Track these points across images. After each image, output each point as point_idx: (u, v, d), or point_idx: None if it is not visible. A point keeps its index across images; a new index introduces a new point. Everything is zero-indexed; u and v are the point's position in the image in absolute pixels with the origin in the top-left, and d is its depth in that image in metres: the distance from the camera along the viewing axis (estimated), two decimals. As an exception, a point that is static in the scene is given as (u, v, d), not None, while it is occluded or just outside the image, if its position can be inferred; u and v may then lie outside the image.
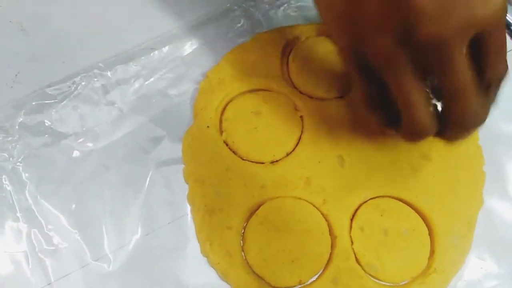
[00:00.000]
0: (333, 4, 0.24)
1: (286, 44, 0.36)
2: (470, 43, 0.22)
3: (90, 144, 0.32)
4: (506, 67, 0.24)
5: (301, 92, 0.34)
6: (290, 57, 0.35)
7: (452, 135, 0.26)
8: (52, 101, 0.33)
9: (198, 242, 0.30)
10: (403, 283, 0.30)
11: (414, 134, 0.25)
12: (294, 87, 0.35)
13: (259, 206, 0.31)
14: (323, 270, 0.30)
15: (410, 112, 0.24)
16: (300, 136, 0.33)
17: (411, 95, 0.23)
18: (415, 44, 0.22)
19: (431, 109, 0.24)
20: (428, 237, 0.31)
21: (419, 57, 0.22)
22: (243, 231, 0.30)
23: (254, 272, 0.29)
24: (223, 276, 0.29)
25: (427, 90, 0.24)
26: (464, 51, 0.22)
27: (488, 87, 0.24)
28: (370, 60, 0.24)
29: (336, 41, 0.27)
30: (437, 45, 0.21)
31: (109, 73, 0.34)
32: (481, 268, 0.31)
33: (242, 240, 0.30)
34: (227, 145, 0.32)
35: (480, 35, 0.22)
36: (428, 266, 0.30)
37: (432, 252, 0.30)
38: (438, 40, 0.21)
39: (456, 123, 0.25)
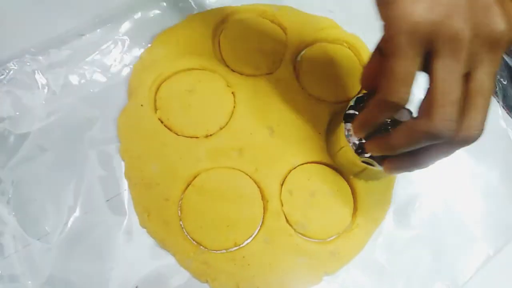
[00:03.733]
0: None
1: (217, 25, 0.37)
2: None
3: (25, 127, 0.33)
4: None
5: (232, 70, 0.36)
6: (221, 37, 0.37)
7: None
8: (-16, 87, 0.33)
9: (137, 214, 0.31)
10: (330, 239, 0.33)
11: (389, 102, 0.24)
12: (226, 65, 0.36)
13: (194, 178, 0.32)
14: (257, 231, 0.32)
15: (394, 80, 0.23)
16: (233, 111, 0.35)
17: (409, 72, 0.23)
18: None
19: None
20: (352, 196, 0.34)
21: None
22: (180, 202, 0.32)
23: (191, 238, 0.31)
24: (162, 243, 0.31)
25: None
26: None
27: None
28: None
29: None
30: None
31: (41, 58, 0.34)
32: (400, 222, 0.34)
33: (180, 210, 0.32)
34: (162, 122, 0.34)
35: None
36: (352, 222, 0.33)
37: (355, 209, 0.33)
38: None
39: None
